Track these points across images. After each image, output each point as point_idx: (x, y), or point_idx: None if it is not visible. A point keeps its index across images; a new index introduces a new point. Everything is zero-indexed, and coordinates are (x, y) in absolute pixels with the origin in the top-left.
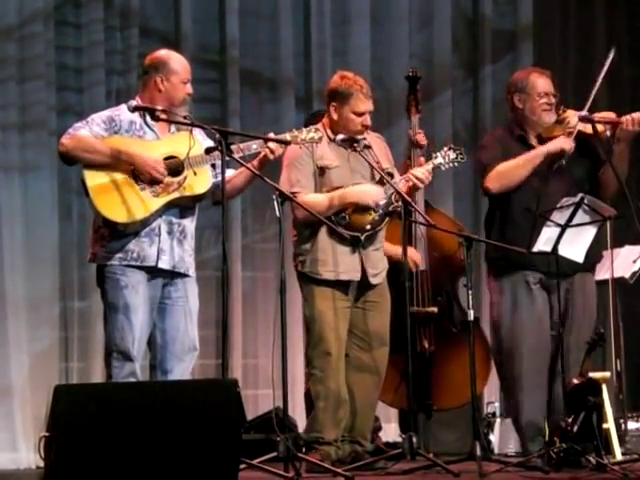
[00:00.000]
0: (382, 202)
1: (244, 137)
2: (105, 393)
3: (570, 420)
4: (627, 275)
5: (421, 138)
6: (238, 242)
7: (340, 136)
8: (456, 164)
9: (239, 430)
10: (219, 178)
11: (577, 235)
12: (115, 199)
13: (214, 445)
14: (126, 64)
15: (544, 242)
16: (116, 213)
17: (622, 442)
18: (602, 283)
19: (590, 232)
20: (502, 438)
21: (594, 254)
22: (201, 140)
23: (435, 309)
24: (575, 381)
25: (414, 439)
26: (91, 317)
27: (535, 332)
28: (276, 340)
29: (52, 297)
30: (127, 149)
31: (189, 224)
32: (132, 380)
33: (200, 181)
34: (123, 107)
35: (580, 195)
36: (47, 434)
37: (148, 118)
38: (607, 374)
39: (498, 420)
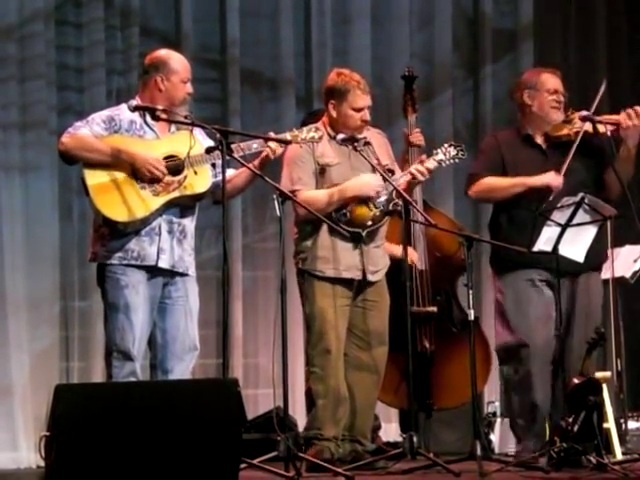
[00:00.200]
0: (382, 198)
1: (244, 137)
2: (105, 393)
3: (571, 420)
4: (628, 275)
5: (418, 137)
6: (239, 241)
7: (340, 135)
8: (457, 160)
9: (239, 429)
10: (219, 177)
11: (578, 235)
12: (115, 198)
13: (214, 444)
14: (127, 64)
15: (544, 242)
16: (116, 212)
17: (622, 442)
18: (603, 283)
19: (590, 232)
20: (502, 438)
21: (600, 254)
22: (201, 140)
23: (435, 309)
24: (576, 381)
25: (414, 439)
26: (91, 317)
27: (540, 330)
28: (277, 340)
29: (52, 296)
30: (127, 148)
31: (189, 223)
32: (132, 380)
33: (200, 180)
34: (123, 106)
35: (581, 194)
36: (47, 434)
37: (148, 118)
38: (607, 374)
39: (498, 420)
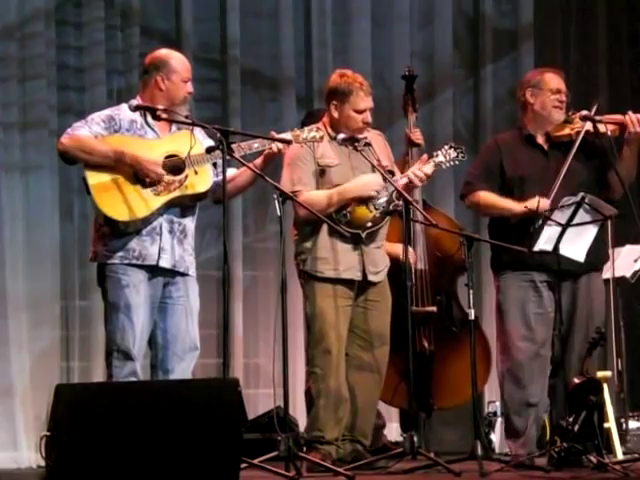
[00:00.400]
0: (382, 199)
1: (245, 136)
2: (106, 393)
3: (571, 419)
4: (628, 274)
5: (417, 137)
6: (239, 241)
7: (341, 136)
8: (457, 162)
9: (240, 429)
10: (220, 177)
11: (578, 234)
12: (117, 197)
13: (215, 444)
14: (127, 63)
15: (545, 241)
16: (117, 211)
17: (623, 441)
18: (603, 282)
19: (591, 231)
20: (503, 437)
21: (601, 254)
22: (201, 139)
23: (434, 308)
24: (576, 380)
25: (415, 438)
26: (92, 316)
27: (540, 329)
28: (277, 339)
29: (53, 296)
30: (128, 150)
31: (190, 223)
32: (133, 379)
33: (201, 180)
34: (123, 106)
35: (581, 194)
36: (48, 433)
37: (149, 117)
38: (608, 373)
39: (499, 419)
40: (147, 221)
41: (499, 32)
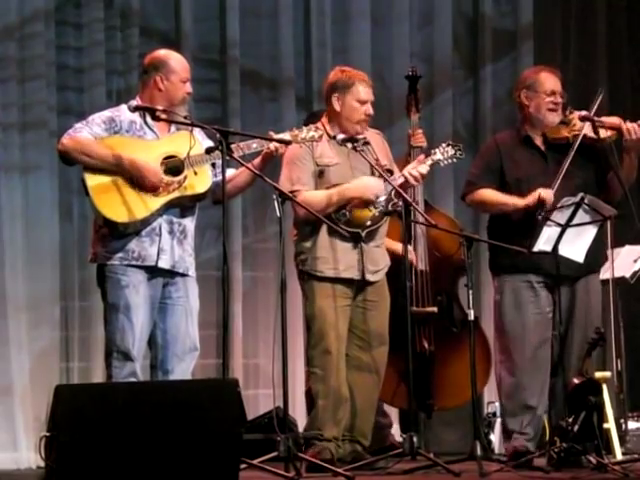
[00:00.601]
0: (382, 198)
1: (244, 137)
2: (106, 393)
3: (571, 420)
4: (628, 275)
5: (420, 138)
6: (239, 242)
7: (340, 136)
8: (455, 160)
9: (240, 430)
10: (219, 177)
11: (577, 235)
12: (116, 199)
13: (215, 445)
14: (127, 64)
15: (544, 242)
16: (117, 213)
17: (622, 442)
18: (603, 283)
19: (590, 232)
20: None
21: (599, 256)
22: (200, 140)
23: (435, 309)
24: (575, 381)
25: (415, 439)
26: (92, 317)
27: (538, 331)
28: (276, 340)
29: (53, 297)
30: (127, 154)
31: (189, 224)
32: (133, 380)
33: (200, 180)
34: (123, 107)
35: (580, 195)
36: (48, 434)
37: (148, 118)
38: (607, 374)
39: (498, 420)
40: (146, 222)
41: (499, 32)
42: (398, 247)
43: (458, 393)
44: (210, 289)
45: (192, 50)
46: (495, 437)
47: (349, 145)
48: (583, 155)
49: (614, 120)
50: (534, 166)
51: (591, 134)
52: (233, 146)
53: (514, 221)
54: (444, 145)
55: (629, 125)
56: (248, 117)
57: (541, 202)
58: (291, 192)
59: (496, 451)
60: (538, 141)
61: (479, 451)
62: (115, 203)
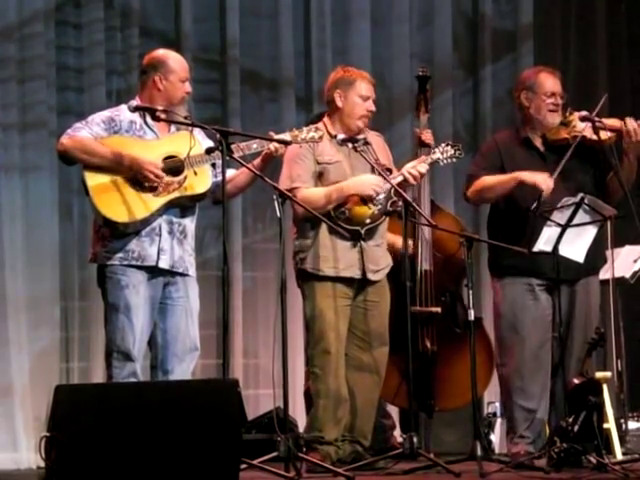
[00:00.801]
0: (381, 196)
1: (245, 137)
2: (106, 393)
3: (571, 420)
4: (628, 275)
5: (428, 137)
6: (239, 242)
7: (341, 136)
8: (454, 160)
9: (240, 430)
10: (219, 177)
11: (578, 235)
12: (116, 199)
13: (215, 445)
14: (126, 64)
15: (544, 242)
16: (117, 213)
17: (623, 442)
18: (603, 283)
19: (591, 232)
20: (503, 438)
21: (598, 257)
22: (200, 140)
23: (439, 309)
24: (575, 381)
25: (415, 439)
26: (92, 317)
27: (538, 333)
28: (277, 340)
29: (53, 297)
30: (127, 152)
31: (189, 224)
32: (133, 380)
33: (200, 180)
34: (123, 107)
35: (580, 195)
36: (48, 434)
37: (148, 118)
38: (608, 374)
39: (499, 420)
40: (146, 222)
41: (499, 32)
42: (399, 241)
43: (459, 394)
44: (210, 289)
45: (192, 50)
46: (495, 437)
47: (349, 145)
48: (583, 156)
49: (615, 122)
50: (533, 167)
51: (591, 136)
52: (233, 146)
53: (514, 221)
54: (444, 145)
55: (630, 126)
56: (248, 117)
57: (537, 187)
58: (291, 189)
59: (496, 451)
60: (537, 142)
61: (479, 451)
62: (115, 203)
